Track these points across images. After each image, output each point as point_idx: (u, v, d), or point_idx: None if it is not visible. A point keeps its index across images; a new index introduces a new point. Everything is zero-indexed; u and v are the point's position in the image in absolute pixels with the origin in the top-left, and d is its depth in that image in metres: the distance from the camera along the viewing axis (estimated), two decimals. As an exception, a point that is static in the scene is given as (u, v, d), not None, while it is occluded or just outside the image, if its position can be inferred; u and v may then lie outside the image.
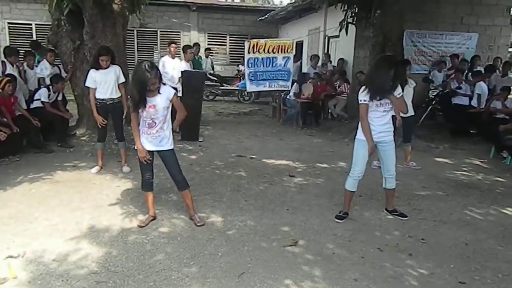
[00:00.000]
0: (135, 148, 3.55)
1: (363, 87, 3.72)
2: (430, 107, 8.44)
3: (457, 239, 3.57)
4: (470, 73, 8.59)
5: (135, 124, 3.50)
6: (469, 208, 4.33)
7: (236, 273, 2.90)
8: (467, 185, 5.14)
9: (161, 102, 3.40)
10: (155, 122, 3.45)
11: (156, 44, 15.33)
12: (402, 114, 5.17)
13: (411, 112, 5.68)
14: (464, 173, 5.73)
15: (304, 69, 10.09)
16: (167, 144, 3.54)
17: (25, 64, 6.66)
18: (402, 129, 5.57)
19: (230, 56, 15.95)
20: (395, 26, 7.38)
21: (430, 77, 8.98)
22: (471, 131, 7.94)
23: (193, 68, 9.46)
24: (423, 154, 6.65)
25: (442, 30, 9.27)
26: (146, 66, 3.25)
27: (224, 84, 12.95)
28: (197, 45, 10.68)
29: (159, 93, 3.38)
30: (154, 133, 3.47)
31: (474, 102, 7.84)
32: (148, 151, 3.51)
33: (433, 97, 8.59)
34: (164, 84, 3.53)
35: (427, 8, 8.93)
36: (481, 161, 6.37)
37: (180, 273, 2.88)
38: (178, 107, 3.60)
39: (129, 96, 3.49)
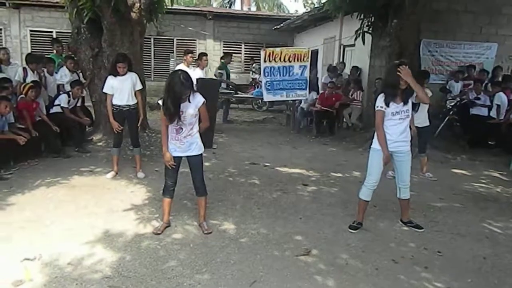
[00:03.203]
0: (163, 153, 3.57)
1: (380, 94, 3.71)
2: (447, 118, 8.31)
3: (474, 253, 3.49)
4: (489, 84, 8.45)
5: (164, 130, 3.53)
6: (488, 221, 4.23)
7: (248, 281, 2.89)
8: (485, 198, 5.03)
9: (189, 109, 3.42)
10: (182, 129, 3.48)
11: (173, 52, 15.52)
12: (417, 124, 5.13)
13: (426, 123, 5.63)
14: (482, 185, 5.61)
15: (322, 78, 10.08)
16: (196, 149, 3.57)
17: (45, 70, 6.81)
18: (418, 139, 5.50)
19: (245, 64, 16.04)
20: (411, 35, 7.34)
21: (447, 87, 8.86)
22: (490, 143, 7.78)
23: (226, 75, 9.64)
24: (440, 165, 6.54)
25: (460, 40, 9.16)
26: (182, 77, 3.26)
27: (239, 92, 13.02)
28: (228, 55, 10.69)
29: (189, 101, 3.40)
30: (182, 139, 3.50)
31: (493, 113, 7.70)
32: (175, 157, 3.54)
33: (450, 107, 8.46)
34: (195, 91, 3.51)
35: (445, 18, 8.84)
36: (500, 173, 6.23)
37: (192, 280, 2.88)
38: (203, 117, 3.59)
39: (159, 102, 3.50)
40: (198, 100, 3.48)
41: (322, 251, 3.39)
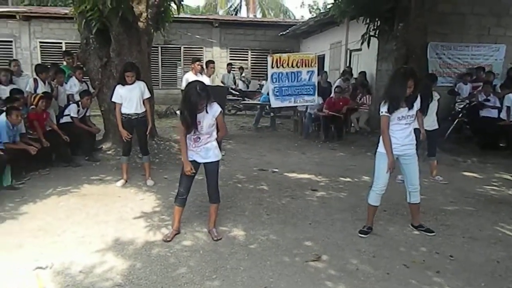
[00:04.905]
0: (182, 160, 3.60)
1: (383, 100, 3.70)
2: (456, 120, 8.25)
3: (487, 257, 3.44)
4: (497, 85, 8.38)
5: (183, 139, 3.55)
6: (500, 224, 4.17)
7: (259, 287, 2.88)
8: (497, 201, 4.97)
9: (207, 119, 3.45)
10: (200, 138, 3.51)
11: (180, 60, 15.67)
12: (426, 128, 5.10)
13: (435, 125, 5.59)
14: (494, 188, 5.54)
15: (336, 82, 10.06)
16: (213, 155, 3.59)
17: (55, 81, 6.91)
18: (427, 142, 5.47)
19: (252, 71, 16.11)
20: (418, 38, 7.32)
21: (456, 90, 8.80)
22: (501, 145, 7.70)
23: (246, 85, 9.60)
24: (450, 168, 6.48)
25: (468, 42, 9.10)
26: (199, 88, 3.30)
27: (246, 99, 13.07)
28: (241, 68, 10.75)
29: (206, 111, 3.43)
30: (199, 146, 3.53)
31: (503, 115, 7.63)
32: (193, 163, 3.56)
33: (459, 109, 8.40)
34: (213, 102, 3.51)
35: (452, 20, 8.81)
36: (511, 176, 6.15)
37: (202, 287, 2.89)
38: (221, 126, 3.61)
39: (177, 112, 3.55)
40: (215, 109, 3.50)
41: (332, 257, 3.38)
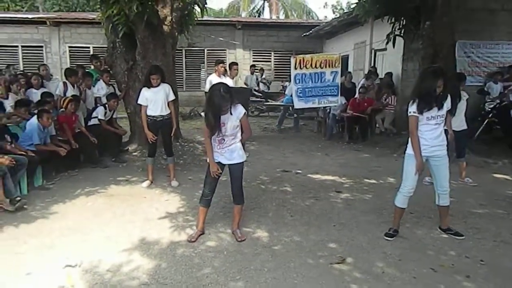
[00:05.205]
0: (207, 161, 3.64)
1: (413, 100, 3.62)
2: (486, 121, 7.98)
3: (520, 262, 3.32)
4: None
5: (208, 140, 3.59)
6: (533, 228, 4.02)
7: (283, 289, 2.88)
8: (530, 203, 4.78)
9: (231, 121, 3.48)
10: (224, 139, 3.54)
11: (203, 62, 15.84)
12: (454, 128, 4.96)
13: (463, 126, 5.44)
14: (526, 190, 5.34)
15: (361, 82, 9.94)
16: (238, 157, 3.61)
17: (83, 84, 7.11)
18: (455, 143, 5.31)
19: (275, 72, 16.10)
20: (445, 37, 7.13)
21: (485, 89, 8.52)
22: (533, 145, 7.41)
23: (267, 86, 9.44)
24: (480, 170, 6.28)
25: (498, 39, 8.81)
26: (222, 90, 3.32)
27: (269, 100, 13.07)
28: (261, 69, 10.67)
29: (230, 113, 3.46)
30: (224, 148, 3.56)
31: (535, 115, 7.35)
32: (220, 165, 3.60)
33: (489, 109, 8.13)
34: (237, 103, 3.53)
35: (481, 18, 8.54)
36: (545, 178, 5.92)
37: (226, 287, 2.90)
38: (245, 128, 3.61)
39: (202, 113, 3.59)
40: (239, 111, 3.51)
41: (357, 259, 3.33)
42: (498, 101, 8.09)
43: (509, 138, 7.75)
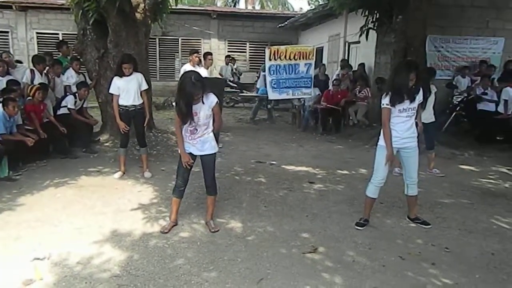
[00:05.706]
0: (179, 152, 3.60)
1: (385, 92, 3.70)
2: (454, 113, 8.26)
3: (483, 249, 3.47)
4: (495, 79, 8.38)
5: (179, 130, 3.54)
6: (496, 217, 4.20)
7: (255, 279, 2.90)
8: (493, 194, 4.99)
9: (203, 110, 3.43)
10: (197, 130, 3.50)
11: (178, 52, 15.59)
12: (423, 120, 5.10)
13: (432, 118, 5.60)
14: (490, 181, 5.57)
15: (335, 74, 10.04)
16: (209, 148, 3.58)
17: (52, 72, 6.87)
18: (424, 135, 5.47)
19: (250, 63, 16.05)
20: (417, 31, 7.29)
21: (454, 83, 8.80)
22: (498, 138, 7.72)
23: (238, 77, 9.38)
24: (447, 161, 6.51)
25: (466, 35, 9.09)
26: (193, 78, 3.26)
27: (244, 91, 13.03)
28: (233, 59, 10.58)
29: (203, 102, 3.41)
30: (196, 139, 3.52)
31: (500, 108, 7.65)
32: (192, 156, 3.56)
33: (457, 103, 8.41)
34: (209, 92, 3.48)
35: (451, 13, 8.78)
36: (508, 169, 6.18)
37: (199, 278, 2.90)
38: (217, 117, 3.57)
39: (174, 103, 3.51)
40: (211, 100, 3.47)
41: (329, 249, 3.40)
42: (465, 94, 8.37)
43: (476, 131, 8.05)
